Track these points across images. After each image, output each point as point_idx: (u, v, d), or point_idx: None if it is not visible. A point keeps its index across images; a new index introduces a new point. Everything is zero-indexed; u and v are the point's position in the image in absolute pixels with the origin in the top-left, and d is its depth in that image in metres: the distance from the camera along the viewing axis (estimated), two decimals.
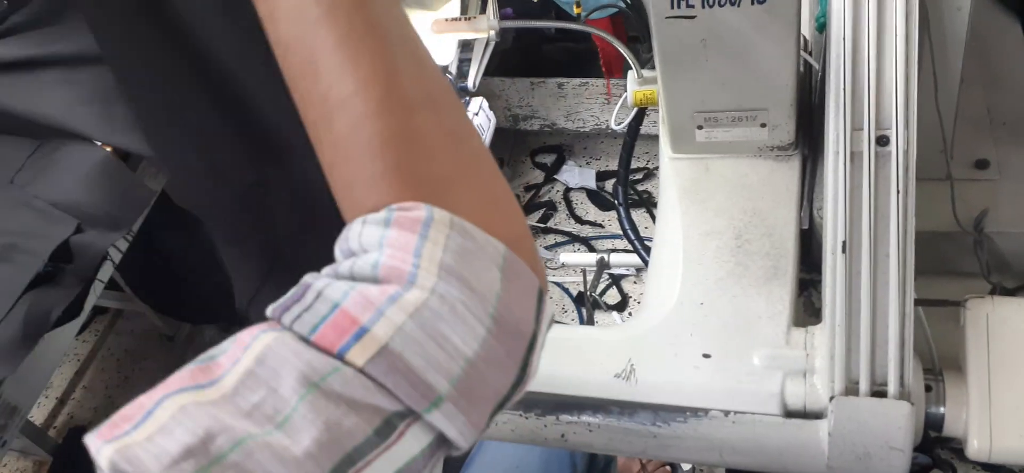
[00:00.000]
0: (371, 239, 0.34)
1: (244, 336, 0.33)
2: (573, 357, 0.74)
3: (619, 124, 1.01)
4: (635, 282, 1.79)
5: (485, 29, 0.91)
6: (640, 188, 1.91)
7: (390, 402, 0.32)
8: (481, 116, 1.08)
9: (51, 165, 1.13)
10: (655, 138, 0.90)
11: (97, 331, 1.96)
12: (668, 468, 1.42)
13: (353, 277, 0.34)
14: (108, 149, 1.22)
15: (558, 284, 1.84)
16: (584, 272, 1.79)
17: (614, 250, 1.78)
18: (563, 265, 1.83)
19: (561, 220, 1.96)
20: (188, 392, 0.31)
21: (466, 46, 1.08)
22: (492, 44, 1.06)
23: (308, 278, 0.35)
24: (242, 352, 0.32)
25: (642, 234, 1.01)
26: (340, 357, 0.32)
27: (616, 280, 1.80)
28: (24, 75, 0.93)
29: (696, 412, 0.67)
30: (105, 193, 1.18)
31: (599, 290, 1.78)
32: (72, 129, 1.12)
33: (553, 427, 0.73)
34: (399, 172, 0.36)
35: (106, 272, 1.23)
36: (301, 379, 0.31)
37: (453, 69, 1.05)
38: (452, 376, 0.32)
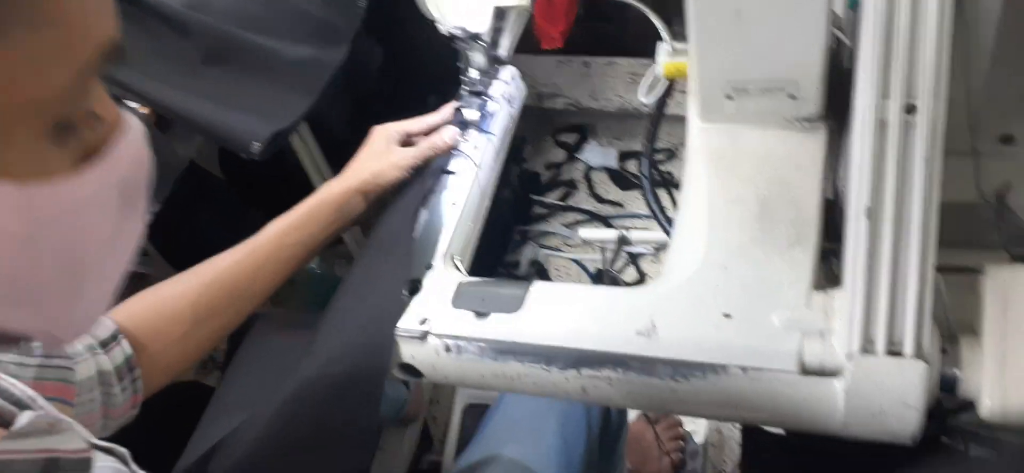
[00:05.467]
0: None
1: None
2: (595, 314, 0.76)
3: (647, 98, 1.03)
4: (653, 261, 1.81)
5: None
6: (663, 168, 1.92)
7: None
8: (512, 85, 1.10)
9: None
10: (679, 119, 0.92)
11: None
12: (680, 431, 1.43)
13: None
14: (146, 111, 1.23)
15: (576, 261, 1.86)
16: (603, 249, 1.81)
17: (634, 228, 1.80)
18: (583, 241, 1.85)
19: (581, 199, 1.98)
20: None
21: (499, 16, 1.09)
22: (526, 15, 1.08)
23: None
24: None
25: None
26: None
27: (634, 258, 1.82)
28: None
29: (714, 368, 0.69)
30: None
31: (617, 268, 1.80)
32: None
33: (574, 380, 0.75)
34: None
35: None
36: None
37: (486, 38, 1.07)
38: None
